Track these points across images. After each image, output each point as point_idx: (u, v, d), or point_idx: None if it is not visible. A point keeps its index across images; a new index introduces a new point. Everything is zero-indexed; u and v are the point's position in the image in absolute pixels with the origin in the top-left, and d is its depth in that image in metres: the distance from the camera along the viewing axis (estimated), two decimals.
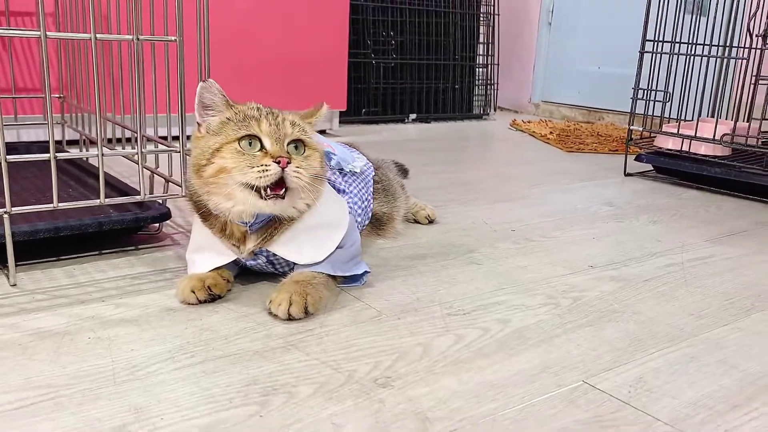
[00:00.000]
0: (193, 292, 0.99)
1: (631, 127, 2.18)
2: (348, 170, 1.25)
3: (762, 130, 1.96)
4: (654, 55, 2.10)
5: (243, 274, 1.10)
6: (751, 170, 1.90)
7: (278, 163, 0.91)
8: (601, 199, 1.84)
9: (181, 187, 1.22)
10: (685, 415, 0.76)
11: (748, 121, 2.02)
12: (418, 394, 0.78)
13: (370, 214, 1.31)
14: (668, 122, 2.17)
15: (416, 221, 1.50)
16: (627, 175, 2.19)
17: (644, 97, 2.11)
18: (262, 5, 2.35)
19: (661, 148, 2.15)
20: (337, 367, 0.83)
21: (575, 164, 2.37)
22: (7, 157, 0.99)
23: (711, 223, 1.64)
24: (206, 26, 1.20)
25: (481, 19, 3.58)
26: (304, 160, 0.97)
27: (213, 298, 1.01)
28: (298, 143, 0.97)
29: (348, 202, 1.19)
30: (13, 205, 1.02)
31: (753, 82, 2.06)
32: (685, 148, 2.06)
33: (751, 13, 2.17)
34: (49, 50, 1.02)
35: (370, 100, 3.18)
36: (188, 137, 1.19)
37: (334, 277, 1.06)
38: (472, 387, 0.80)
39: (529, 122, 3.35)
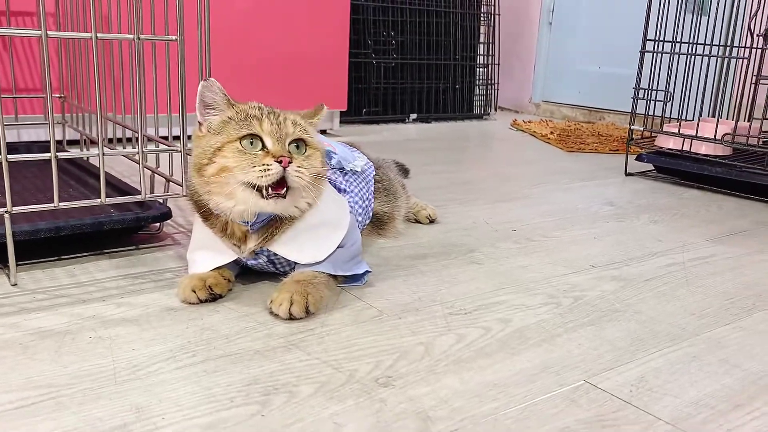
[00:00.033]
0: (194, 292, 0.99)
1: (632, 127, 2.18)
2: (349, 169, 1.25)
3: (763, 129, 1.96)
4: (655, 54, 2.10)
5: (244, 273, 1.10)
6: (752, 170, 1.90)
7: (280, 162, 0.91)
8: (601, 199, 1.83)
9: (181, 186, 1.22)
10: (687, 415, 0.76)
11: (748, 121, 2.02)
12: (419, 394, 0.78)
13: (371, 214, 1.30)
14: (669, 122, 2.17)
15: (417, 221, 1.50)
16: (628, 174, 2.19)
17: (645, 97, 2.11)
18: (262, 5, 2.35)
19: (661, 147, 2.15)
20: (338, 367, 0.83)
21: (576, 164, 2.37)
22: (8, 156, 0.99)
23: (712, 222, 1.63)
24: (207, 26, 1.20)
25: (482, 18, 3.58)
26: (306, 160, 0.97)
27: (214, 298, 1.01)
28: (300, 143, 0.97)
29: (349, 202, 1.19)
30: (14, 205, 1.02)
31: (754, 81, 2.06)
32: (686, 147, 2.05)
33: (752, 13, 2.17)
34: (49, 50, 1.02)
35: (370, 100, 3.18)
36: (189, 137, 1.19)
37: (335, 277, 1.06)
38: (473, 386, 0.80)
39: (529, 122, 3.34)
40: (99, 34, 1.06)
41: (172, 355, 0.84)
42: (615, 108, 3.44)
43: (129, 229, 1.24)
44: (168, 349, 0.85)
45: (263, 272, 1.09)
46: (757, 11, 2.12)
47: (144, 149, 1.18)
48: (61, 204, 1.06)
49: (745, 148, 1.97)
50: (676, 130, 2.08)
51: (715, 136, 1.97)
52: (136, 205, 1.28)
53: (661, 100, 2.09)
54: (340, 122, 2.83)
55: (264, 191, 0.92)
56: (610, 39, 3.41)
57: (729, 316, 1.06)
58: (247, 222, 0.99)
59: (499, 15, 3.62)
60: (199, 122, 1.00)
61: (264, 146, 0.94)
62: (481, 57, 3.64)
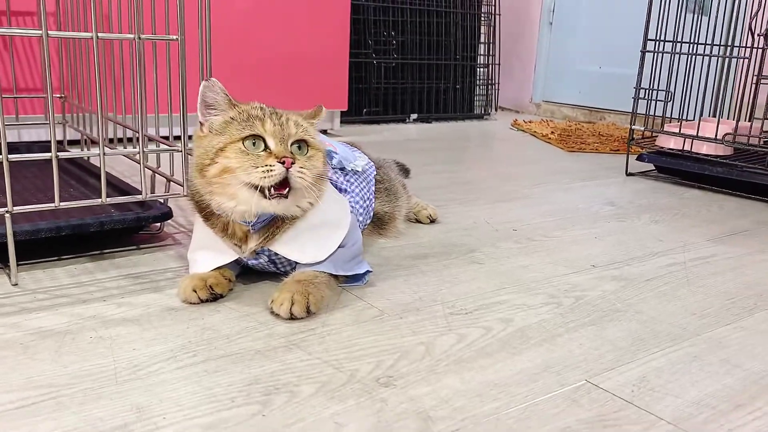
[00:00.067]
0: (195, 292, 0.99)
1: (633, 127, 2.18)
2: (350, 169, 1.25)
3: (764, 129, 1.96)
4: (656, 54, 2.10)
5: (245, 273, 1.10)
6: (753, 170, 1.90)
7: (282, 163, 0.91)
8: (602, 199, 1.83)
9: (182, 186, 1.21)
10: (688, 415, 0.76)
11: (749, 121, 2.02)
12: (420, 394, 0.77)
13: (371, 214, 1.30)
14: (670, 122, 2.16)
15: (418, 221, 1.50)
16: (628, 174, 2.19)
17: (646, 97, 2.11)
18: (262, 5, 2.35)
19: (662, 147, 2.14)
20: (339, 367, 0.83)
21: (576, 164, 2.37)
22: (10, 156, 0.99)
23: (713, 222, 1.63)
24: (208, 25, 1.20)
25: (482, 18, 3.58)
26: (308, 161, 0.97)
27: (215, 298, 1.00)
28: (302, 143, 0.97)
29: (350, 201, 1.19)
30: (14, 205, 1.02)
31: (755, 81, 2.06)
32: (687, 147, 2.05)
33: (753, 13, 2.17)
34: (50, 50, 1.01)
35: (371, 100, 3.18)
36: (190, 137, 1.19)
37: (336, 277, 1.06)
38: (474, 386, 0.80)
39: (530, 122, 3.34)
40: (100, 34, 1.06)
41: (172, 355, 0.84)
42: (616, 108, 3.44)
43: (130, 229, 1.24)
44: (169, 349, 0.85)
45: (264, 272, 1.09)
46: (758, 11, 2.12)
47: (145, 149, 1.18)
48: (61, 204, 1.06)
49: (745, 148, 1.97)
50: (676, 130, 2.08)
51: (716, 136, 1.96)
52: (137, 205, 1.27)
53: (661, 100, 2.09)
54: (341, 122, 2.83)
55: (266, 192, 0.92)
56: (611, 39, 3.41)
57: (730, 316, 1.06)
58: (249, 222, 0.99)
59: (499, 15, 3.62)
60: (200, 122, 1.00)
61: (266, 147, 0.94)
62: (482, 57, 3.64)
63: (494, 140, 2.93)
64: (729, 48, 2.23)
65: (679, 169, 2.08)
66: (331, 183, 1.14)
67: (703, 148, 2.05)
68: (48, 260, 1.15)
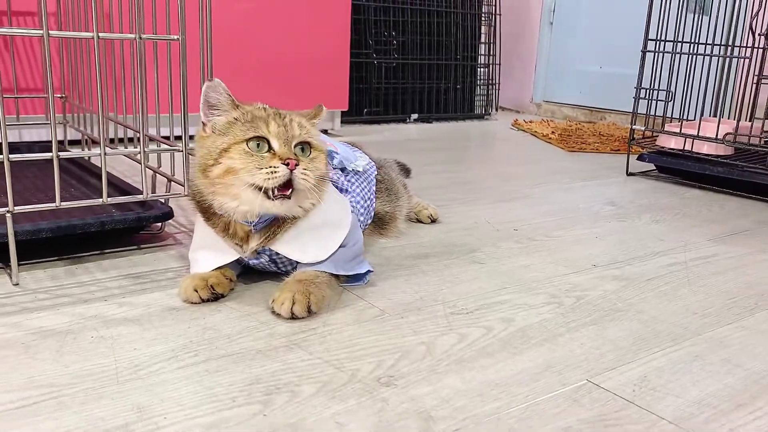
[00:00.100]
0: (196, 291, 0.99)
1: (634, 127, 2.17)
2: (351, 169, 1.25)
3: (764, 129, 1.96)
4: (656, 54, 2.10)
5: (245, 273, 1.10)
6: (754, 169, 1.90)
7: (287, 165, 0.92)
8: (603, 199, 1.83)
9: (183, 186, 1.21)
10: (690, 414, 0.76)
11: (750, 121, 2.02)
12: (421, 393, 0.77)
13: (372, 213, 1.30)
14: (670, 122, 2.16)
15: (419, 220, 1.50)
16: (629, 174, 2.19)
17: (646, 97, 2.11)
18: (263, 5, 2.35)
19: (663, 147, 2.14)
20: (340, 366, 0.83)
21: (577, 164, 2.36)
22: (11, 156, 0.99)
23: (714, 222, 1.63)
24: (209, 25, 1.20)
25: (483, 18, 3.58)
26: (311, 162, 0.97)
27: (216, 297, 1.00)
28: (305, 145, 0.98)
29: (350, 201, 1.19)
30: (15, 204, 1.02)
31: (755, 81, 2.06)
32: (688, 147, 2.05)
33: (754, 12, 2.17)
34: (51, 50, 1.01)
35: (371, 100, 3.18)
36: (191, 137, 1.19)
37: (337, 276, 1.06)
38: (475, 386, 0.80)
39: (530, 122, 3.34)
40: (100, 34, 1.06)
41: (173, 355, 0.84)
42: (616, 108, 3.44)
43: (131, 228, 1.24)
44: (170, 349, 0.85)
45: (265, 272, 1.09)
46: (758, 10, 2.12)
47: (145, 149, 1.18)
48: (62, 203, 1.06)
49: (746, 147, 1.96)
50: (677, 130, 2.07)
51: (716, 135, 1.96)
52: (138, 204, 1.27)
53: (662, 100, 2.09)
54: (342, 122, 2.83)
55: (270, 193, 0.93)
56: (611, 39, 3.41)
57: (731, 315, 1.06)
58: (251, 222, 0.99)
59: (500, 15, 3.62)
60: (202, 123, 1.00)
61: (270, 148, 0.94)
62: (482, 57, 3.64)
63: (495, 140, 2.93)
64: (730, 48, 2.23)
65: (680, 169, 2.08)
66: (332, 183, 1.14)
67: (704, 148, 2.04)
68: (49, 260, 1.15)
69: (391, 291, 1.08)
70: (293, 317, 0.95)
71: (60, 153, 1.05)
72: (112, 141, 1.52)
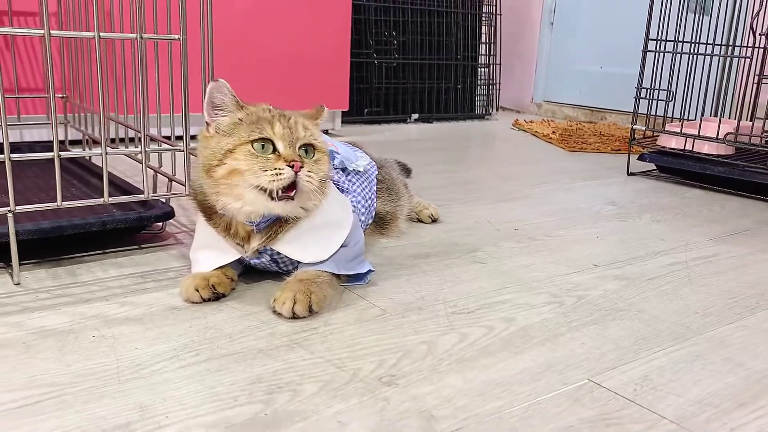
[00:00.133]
0: (197, 291, 0.99)
1: (634, 127, 2.17)
2: (352, 169, 1.25)
3: (765, 129, 1.96)
4: (657, 54, 2.10)
5: (247, 272, 1.10)
6: (755, 169, 1.90)
7: (292, 167, 0.92)
8: (604, 199, 1.83)
9: (184, 186, 1.22)
10: (691, 413, 0.76)
11: (751, 120, 2.02)
12: (422, 393, 0.77)
13: (373, 213, 1.30)
14: (671, 121, 2.16)
15: (420, 220, 1.50)
16: (630, 174, 2.19)
17: (647, 97, 2.11)
18: (263, 5, 2.35)
19: (664, 147, 2.14)
20: (341, 366, 0.83)
21: (578, 164, 2.36)
22: (12, 156, 0.99)
23: (714, 222, 1.63)
24: (210, 25, 1.20)
25: (483, 18, 3.58)
26: (315, 164, 0.97)
27: (217, 297, 1.01)
28: (308, 147, 0.98)
29: (351, 201, 1.19)
30: (16, 204, 1.02)
31: (756, 81, 2.06)
32: (689, 147, 2.05)
33: (755, 12, 2.17)
34: (52, 50, 1.02)
35: (372, 100, 3.18)
36: (192, 137, 1.19)
37: (338, 276, 1.06)
38: (476, 385, 0.80)
39: (531, 122, 3.34)
40: (102, 34, 1.06)
41: (175, 354, 0.84)
42: (617, 108, 3.44)
43: (132, 228, 1.24)
44: (171, 348, 0.85)
45: (266, 271, 1.09)
46: (759, 10, 2.12)
47: (147, 149, 1.18)
48: (63, 203, 1.06)
49: (747, 147, 1.97)
50: (678, 130, 2.08)
51: (717, 135, 1.96)
52: (139, 204, 1.27)
53: (663, 100, 2.09)
54: (342, 122, 2.83)
55: (274, 194, 0.93)
56: (612, 39, 3.41)
57: (732, 314, 1.06)
58: (253, 222, 0.99)
59: (500, 15, 3.62)
60: (206, 123, 1.00)
61: (275, 150, 0.94)
62: (483, 57, 3.64)
63: (495, 140, 2.93)
64: (730, 48, 2.23)
65: (681, 169, 2.08)
66: (333, 183, 1.14)
67: (705, 148, 2.04)
68: (50, 260, 1.15)
69: (392, 290, 1.08)
70: (294, 317, 0.95)
71: (61, 153, 1.05)
72: (113, 141, 1.52)
